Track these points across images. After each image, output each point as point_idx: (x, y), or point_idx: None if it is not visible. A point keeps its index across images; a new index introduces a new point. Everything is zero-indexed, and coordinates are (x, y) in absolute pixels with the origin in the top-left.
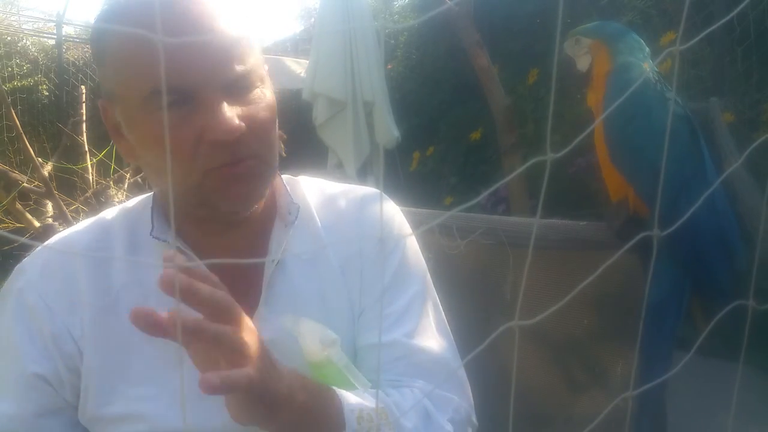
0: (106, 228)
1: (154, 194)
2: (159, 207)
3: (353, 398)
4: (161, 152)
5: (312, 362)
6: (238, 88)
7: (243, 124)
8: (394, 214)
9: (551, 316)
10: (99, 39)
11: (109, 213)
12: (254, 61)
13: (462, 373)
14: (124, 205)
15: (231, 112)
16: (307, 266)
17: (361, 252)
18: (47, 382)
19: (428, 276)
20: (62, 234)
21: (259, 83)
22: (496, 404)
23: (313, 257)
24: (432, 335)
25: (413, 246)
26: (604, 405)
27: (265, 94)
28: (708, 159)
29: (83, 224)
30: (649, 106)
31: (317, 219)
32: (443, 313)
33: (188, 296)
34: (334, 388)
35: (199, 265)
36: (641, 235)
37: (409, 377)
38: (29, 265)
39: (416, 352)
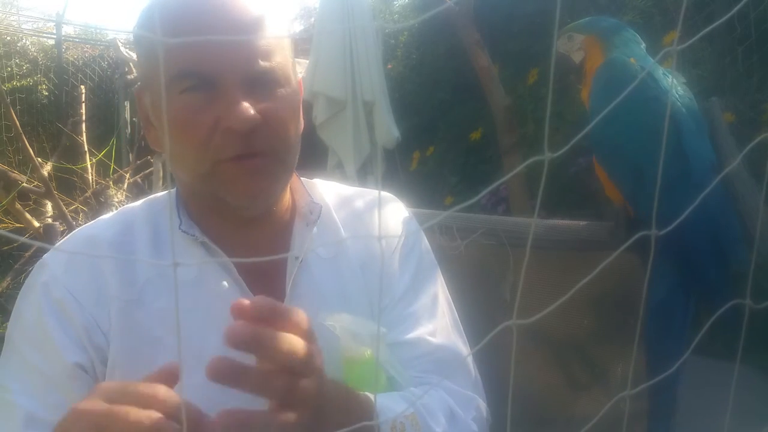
0: (129, 222)
1: (177, 189)
2: (182, 201)
3: (387, 407)
4: (179, 137)
5: (348, 358)
6: (261, 84)
7: (258, 116)
8: (409, 215)
9: (552, 316)
10: (138, 25)
11: (133, 206)
12: (281, 60)
13: (476, 371)
14: (150, 198)
15: (248, 103)
16: (328, 266)
17: (382, 253)
18: (87, 371)
19: (442, 278)
20: (86, 227)
21: (284, 82)
22: (496, 404)
23: (334, 257)
24: (450, 333)
25: (427, 246)
26: (604, 405)
27: (288, 95)
28: (701, 157)
29: (107, 217)
30: (627, 104)
31: (336, 218)
32: (456, 311)
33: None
34: (373, 399)
35: (228, 262)
36: (638, 234)
37: (432, 374)
38: (52, 260)
39: (437, 350)
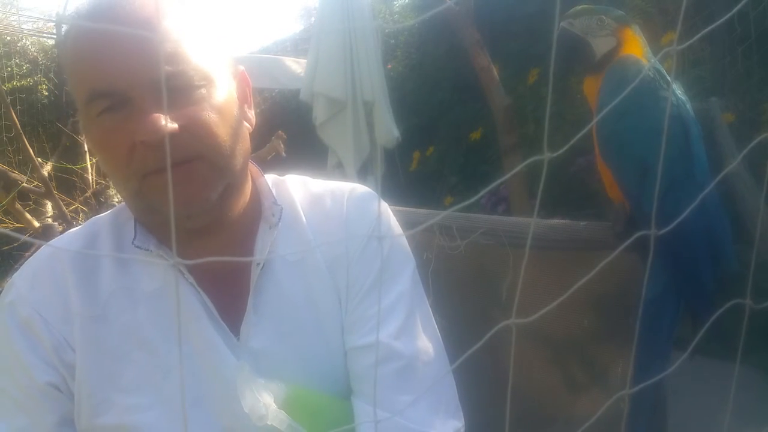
0: (94, 235)
1: None
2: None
3: None
4: (104, 158)
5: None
6: (174, 90)
7: (174, 125)
8: (383, 213)
9: (552, 316)
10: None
11: (99, 219)
12: (195, 59)
13: (449, 378)
14: (118, 208)
15: (159, 114)
16: (294, 268)
17: (347, 251)
18: (60, 390)
19: (416, 277)
20: (54, 240)
21: (203, 83)
22: (495, 405)
23: (300, 258)
24: (416, 337)
25: (401, 246)
26: (603, 405)
27: (211, 95)
28: (702, 160)
29: (76, 229)
30: (641, 103)
31: (303, 219)
32: (433, 316)
33: None
34: None
35: (180, 263)
36: (637, 234)
37: (390, 390)
38: (19, 278)
39: (398, 357)
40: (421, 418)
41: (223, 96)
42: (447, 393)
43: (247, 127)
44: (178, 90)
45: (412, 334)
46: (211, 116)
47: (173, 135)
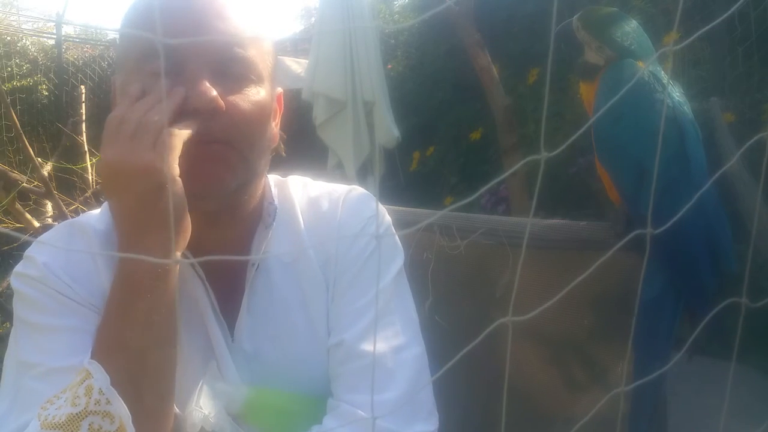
0: (110, 221)
1: None
2: None
3: None
4: None
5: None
6: (229, 74)
7: (221, 101)
8: (374, 213)
9: (551, 315)
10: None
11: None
12: (255, 54)
13: (424, 380)
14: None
15: (211, 86)
16: (289, 269)
17: (337, 251)
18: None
19: (400, 277)
20: (82, 216)
21: (254, 79)
22: (494, 404)
23: (294, 260)
24: (387, 337)
25: (386, 246)
26: (604, 405)
27: (258, 92)
28: (699, 162)
29: (95, 211)
30: (635, 106)
31: (300, 220)
32: (416, 317)
33: None
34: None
35: (180, 262)
36: (634, 233)
37: (351, 392)
38: (41, 249)
39: (362, 356)
40: (388, 418)
41: (266, 97)
42: (420, 395)
43: (270, 140)
44: (233, 76)
45: (383, 334)
46: (252, 109)
47: (216, 113)
